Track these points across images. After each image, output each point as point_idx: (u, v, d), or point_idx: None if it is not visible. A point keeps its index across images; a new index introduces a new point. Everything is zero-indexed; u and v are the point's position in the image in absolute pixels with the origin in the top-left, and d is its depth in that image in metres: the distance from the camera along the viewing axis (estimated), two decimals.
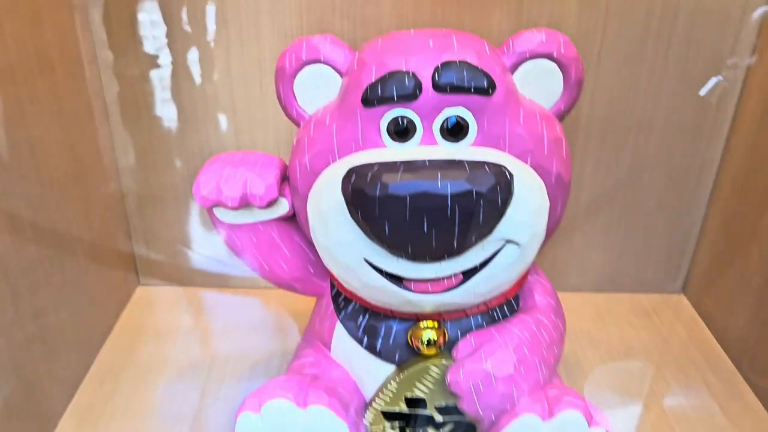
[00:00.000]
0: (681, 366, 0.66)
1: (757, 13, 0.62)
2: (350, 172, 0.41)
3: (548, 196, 0.44)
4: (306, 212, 0.46)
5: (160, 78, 0.64)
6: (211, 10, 0.61)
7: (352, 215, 0.41)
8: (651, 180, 0.70)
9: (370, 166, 0.41)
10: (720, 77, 0.67)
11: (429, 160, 0.41)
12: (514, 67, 0.46)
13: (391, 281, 0.44)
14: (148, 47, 0.63)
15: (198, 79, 0.64)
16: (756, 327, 0.62)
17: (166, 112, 0.66)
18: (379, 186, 0.39)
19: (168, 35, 0.62)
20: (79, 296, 0.61)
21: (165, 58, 0.63)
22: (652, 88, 0.65)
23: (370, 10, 0.61)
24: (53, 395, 0.57)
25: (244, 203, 0.47)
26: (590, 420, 0.46)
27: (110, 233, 0.68)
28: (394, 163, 0.41)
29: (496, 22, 0.62)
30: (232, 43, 0.63)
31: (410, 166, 0.40)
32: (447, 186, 0.39)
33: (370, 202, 0.40)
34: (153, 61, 0.63)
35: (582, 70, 0.47)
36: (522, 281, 0.52)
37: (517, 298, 0.52)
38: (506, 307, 0.51)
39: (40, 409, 0.54)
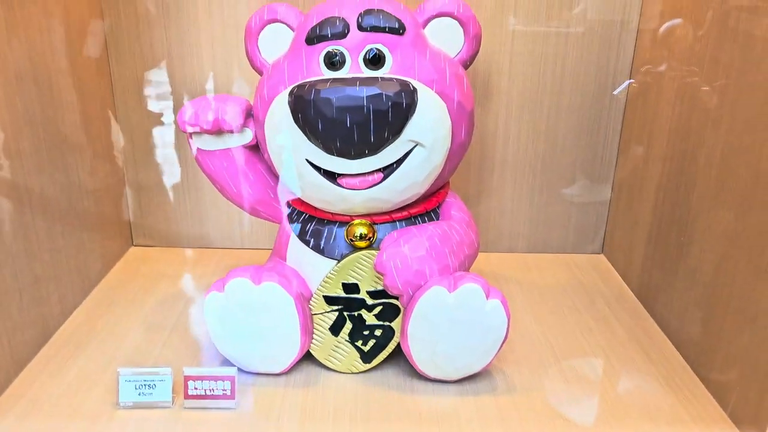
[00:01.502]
0: (590, 300, 0.77)
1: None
2: (294, 88, 0.55)
3: (451, 117, 0.58)
4: (264, 135, 0.59)
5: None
6: (201, 1, 0.77)
7: (294, 120, 0.55)
8: (564, 152, 0.83)
9: (309, 82, 0.55)
10: (631, 80, 0.82)
11: (353, 77, 0.55)
12: (425, 23, 0.61)
13: (327, 178, 0.57)
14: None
15: (194, 58, 0.79)
16: (655, 270, 0.73)
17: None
18: (313, 92, 0.53)
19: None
20: (81, 239, 0.73)
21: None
22: (558, 67, 0.79)
23: None
24: (54, 312, 0.68)
25: (217, 127, 0.61)
26: (488, 293, 0.57)
27: (109, 200, 0.81)
28: (327, 79, 0.55)
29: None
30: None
31: (338, 81, 0.54)
32: (363, 90, 0.53)
33: (307, 104, 0.53)
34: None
35: (478, 27, 0.61)
36: (441, 197, 0.64)
37: (436, 213, 0.64)
38: (426, 217, 0.63)
39: (43, 319, 0.65)
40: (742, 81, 0.57)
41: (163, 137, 0.82)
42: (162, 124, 0.82)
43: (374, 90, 0.53)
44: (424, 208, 0.63)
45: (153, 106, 0.81)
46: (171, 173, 0.84)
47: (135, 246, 0.88)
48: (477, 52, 0.63)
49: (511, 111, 0.81)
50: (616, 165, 0.84)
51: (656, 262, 0.73)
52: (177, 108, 0.80)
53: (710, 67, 0.62)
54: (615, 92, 0.82)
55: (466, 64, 0.63)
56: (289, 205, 0.65)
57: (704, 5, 0.63)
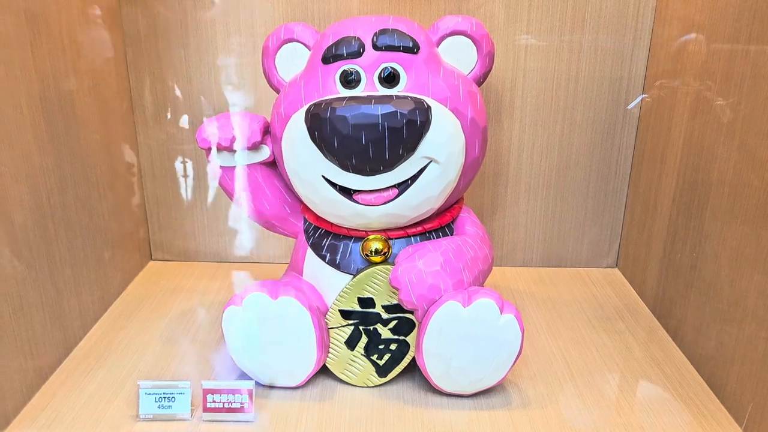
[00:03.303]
0: (605, 314, 0.77)
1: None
2: (310, 106, 0.56)
3: (465, 133, 0.59)
4: (282, 152, 0.60)
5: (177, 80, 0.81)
6: (219, 23, 0.78)
7: (311, 137, 0.56)
8: (578, 167, 0.84)
9: (325, 101, 0.56)
10: (645, 95, 0.82)
11: (367, 96, 0.56)
12: (439, 42, 0.62)
13: (342, 194, 0.58)
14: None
15: (212, 78, 0.81)
16: (669, 285, 0.73)
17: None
18: (329, 110, 0.54)
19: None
20: (101, 252, 0.74)
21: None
22: (571, 82, 0.80)
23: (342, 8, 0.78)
24: (75, 326, 0.69)
25: (234, 144, 0.62)
26: (502, 308, 0.58)
27: (129, 216, 0.82)
28: (342, 98, 0.56)
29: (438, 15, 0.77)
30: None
31: (353, 99, 0.55)
32: (378, 108, 0.54)
33: (323, 122, 0.54)
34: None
35: (491, 45, 0.62)
36: (455, 212, 0.65)
37: (451, 228, 0.65)
38: (440, 232, 0.64)
39: (65, 332, 0.67)
40: (754, 96, 0.57)
41: (181, 154, 0.84)
42: (180, 141, 0.83)
43: (389, 108, 0.54)
44: (438, 224, 0.63)
45: (171, 123, 0.82)
46: (189, 189, 0.85)
47: (153, 260, 0.89)
48: (490, 69, 0.64)
49: (524, 126, 0.82)
50: (629, 179, 0.84)
51: (671, 276, 0.73)
52: (195, 125, 0.82)
53: (722, 83, 0.62)
54: (629, 107, 0.83)
55: (480, 81, 0.63)
56: (305, 220, 0.66)
57: (716, 21, 0.64)
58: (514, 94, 0.81)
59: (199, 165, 0.84)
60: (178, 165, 0.84)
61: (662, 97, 0.76)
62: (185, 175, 0.85)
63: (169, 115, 0.82)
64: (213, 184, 0.84)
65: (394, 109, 0.54)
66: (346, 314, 0.61)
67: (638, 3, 0.77)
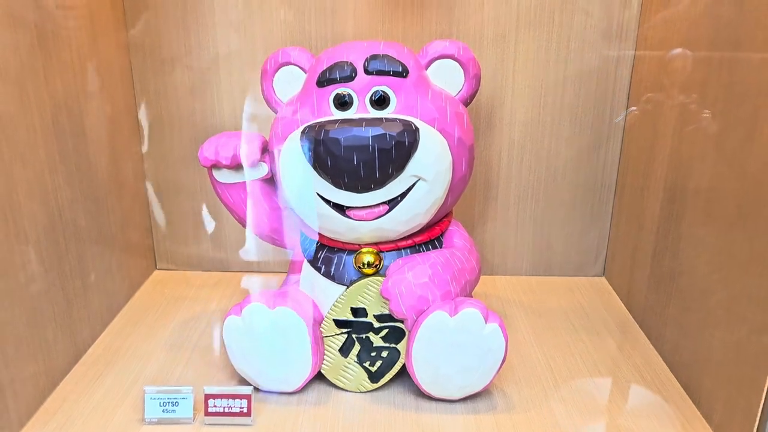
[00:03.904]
0: (590, 322, 0.80)
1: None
2: (306, 128, 0.60)
3: (452, 152, 0.62)
4: (279, 170, 0.64)
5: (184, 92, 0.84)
6: (222, 41, 0.82)
7: (306, 157, 0.59)
8: (565, 180, 0.87)
9: (319, 123, 0.59)
10: (633, 108, 0.85)
11: (359, 119, 0.59)
12: (428, 65, 0.65)
13: (336, 210, 0.62)
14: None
15: (214, 98, 0.84)
16: (656, 293, 0.77)
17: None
18: (323, 132, 0.58)
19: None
20: (108, 262, 0.78)
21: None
22: (557, 99, 0.83)
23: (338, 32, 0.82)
24: (84, 334, 0.73)
25: (235, 162, 0.66)
26: (486, 317, 0.61)
27: (135, 227, 0.86)
28: (336, 120, 0.59)
29: (429, 37, 0.81)
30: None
31: (346, 122, 0.59)
32: (368, 131, 0.57)
33: (318, 143, 0.58)
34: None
35: (478, 67, 0.66)
36: (443, 225, 0.68)
37: (440, 241, 0.68)
38: (430, 245, 0.67)
39: (75, 340, 0.70)
40: (726, 116, 0.61)
41: (185, 169, 0.87)
42: (182, 156, 0.87)
43: (379, 130, 0.57)
44: (427, 237, 0.67)
45: (175, 138, 0.86)
46: (192, 202, 0.89)
47: (158, 270, 0.93)
48: (477, 90, 0.67)
49: (513, 141, 0.85)
50: (615, 191, 0.88)
51: (653, 285, 0.76)
52: (197, 142, 0.85)
53: (698, 102, 0.66)
54: (617, 120, 0.86)
55: (467, 102, 0.67)
56: (301, 233, 0.70)
57: (694, 37, 0.67)
58: (503, 111, 0.84)
59: (201, 178, 0.88)
60: (181, 179, 0.88)
61: (644, 114, 0.79)
62: (188, 190, 0.89)
63: (172, 131, 0.86)
64: (214, 198, 0.88)
65: (383, 132, 0.57)
66: (340, 323, 0.65)
67: (621, 22, 0.80)
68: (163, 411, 0.61)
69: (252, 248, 0.91)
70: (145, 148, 0.87)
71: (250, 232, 0.72)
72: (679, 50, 0.71)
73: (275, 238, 0.72)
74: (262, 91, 0.68)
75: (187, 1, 0.80)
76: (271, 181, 0.69)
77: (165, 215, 0.91)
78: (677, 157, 0.70)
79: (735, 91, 0.59)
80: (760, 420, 0.53)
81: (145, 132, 0.86)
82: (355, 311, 0.64)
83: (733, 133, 0.59)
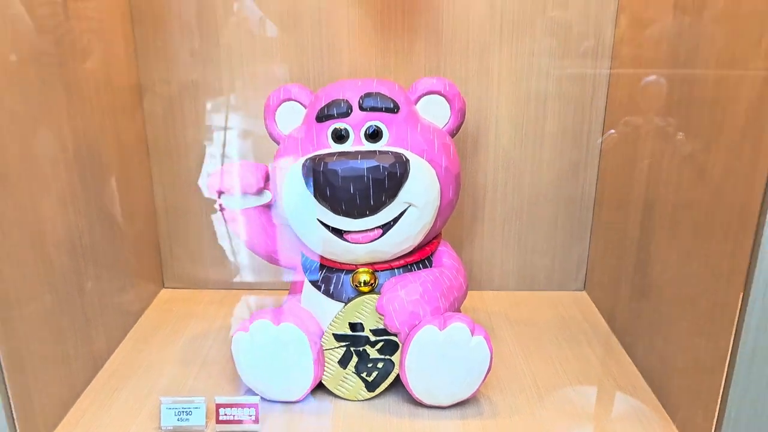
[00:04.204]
0: (571, 333, 0.86)
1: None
2: (306, 160, 0.66)
3: (440, 180, 0.68)
4: (281, 197, 0.70)
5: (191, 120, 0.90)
6: (227, 77, 0.88)
7: (307, 186, 0.65)
8: (546, 201, 0.93)
9: (318, 156, 0.66)
10: (612, 131, 0.92)
11: (355, 151, 0.66)
12: (417, 100, 0.72)
13: (334, 234, 0.68)
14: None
15: (220, 127, 0.90)
16: (631, 306, 0.83)
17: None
18: (322, 164, 0.64)
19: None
20: (120, 284, 0.84)
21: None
22: (538, 127, 0.90)
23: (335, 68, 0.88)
24: (101, 349, 0.78)
25: (242, 191, 0.72)
26: (473, 330, 0.67)
27: (144, 249, 0.92)
28: (334, 153, 0.66)
29: (418, 74, 0.87)
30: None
31: (343, 155, 0.65)
32: (364, 163, 0.63)
33: (317, 174, 0.64)
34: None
35: (462, 102, 0.72)
36: (433, 246, 0.74)
37: (430, 261, 0.74)
38: (421, 264, 0.73)
39: (93, 355, 0.76)
40: (687, 144, 0.67)
41: (191, 194, 0.93)
42: (189, 181, 0.93)
43: (373, 162, 0.63)
44: (418, 257, 0.73)
45: (182, 165, 0.92)
46: (197, 225, 0.95)
47: (165, 288, 0.99)
48: (462, 122, 0.73)
49: (498, 166, 0.92)
50: (593, 211, 0.94)
51: (627, 300, 0.82)
52: (204, 166, 0.92)
53: (660, 129, 0.72)
54: (598, 141, 0.92)
55: (453, 133, 0.73)
56: (302, 255, 0.76)
57: (658, 62, 0.74)
58: (488, 138, 0.90)
59: (206, 202, 0.94)
60: (187, 203, 0.94)
61: (616, 140, 0.86)
62: (194, 213, 0.94)
63: (179, 159, 0.92)
64: (219, 220, 0.94)
65: (377, 164, 0.63)
66: (339, 337, 0.71)
67: (597, 47, 0.87)
68: (178, 420, 0.66)
69: (255, 268, 0.97)
70: (153, 173, 0.93)
71: (253, 254, 0.78)
72: (647, 70, 0.77)
73: (277, 259, 0.78)
74: (266, 124, 0.74)
75: (195, 41, 0.86)
76: (274, 207, 0.75)
77: (171, 237, 0.96)
78: (645, 180, 0.77)
79: (694, 107, 0.65)
80: (717, 420, 0.59)
81: (154, 157, 0.92)
82: (353, 326, 0.70)
83: (694, 147, 0.65)
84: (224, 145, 0.91)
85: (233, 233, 0.76)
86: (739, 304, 0.56)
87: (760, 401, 0.57)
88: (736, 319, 0.56)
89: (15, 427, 0.60)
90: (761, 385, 0.57)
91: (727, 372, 0.58)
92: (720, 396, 0.58)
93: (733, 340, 0.57)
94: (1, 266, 0.58)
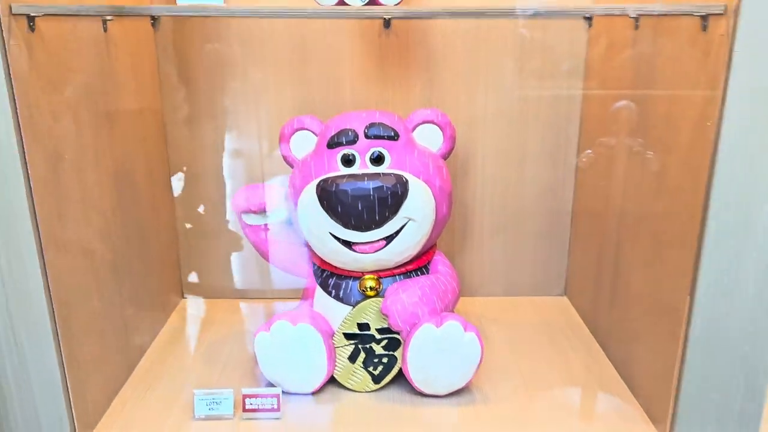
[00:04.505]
0: (553, 333, 0.97)
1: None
2: (320, 181, 0.76)
3: (435, 198, 0.79)
4: (297, 213, 0.80)
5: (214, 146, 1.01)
6: (243, 109, 0.98)
7: (320, 204, 0.76)
8: (529, 216, 1.04)
9: (330, 178, 0.76)
10: (589, 150, 1.03)
11: (362, 174, 0.76)
12: (414, 129, 0.82)
13: (344, 246, 0.78)
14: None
15: (237, 155, 1.01)
16: (606, 308, 0.93)
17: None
18: (334, 185, 0.74)
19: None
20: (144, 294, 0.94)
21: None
22: (520, 149, 1.01)
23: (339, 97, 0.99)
24: (134, 352, 0.88)
25: (262, 209, 0.82)
26: (465, 328, 0.77)
27: (168, 262, 1.02)
28: (343, 175, 0.76)
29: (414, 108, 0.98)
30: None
31: (351, 177, 0.75)
32: (369, 184, 0.74)
33: (330, 194, 0.74)
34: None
35: (453, 129, 0.83)
36: (430, 255, 0.85)
37: (427, 268, 0.85)
38: (419, 271, 0.83)
39: (129, 356, 0.85)
40: (647, 160, 0.78)
41: (210, 213, 1.03)
42: (207, 202, 1.03)
43: (377, 183, 0.74)
44: (417, 265, 0.83)
45: (201, 187, 1.02)
46: (215, 240, 1.05)
47: (184, 298, 1.08)
48: (453, 147, 0.84)
49: (486, 184, 1.03)
50: (571, 224, 1.05)
51: (602, 304, 0.93)
52: (220, 190, 1.02)
53: (626, 147, 0.83)
54: (576, 160, 1.03)
55: (446, 156, 0.84)
56: (314, 264, 0.86)
57: (624, 83, 0.85)
58: (476, 160, 1.01)
59: (222, 220, 1.04)
60: (207, 221, 1.04)
61: (593, 156, 0.97)
62: (213, 230, 1.04)
63: (198, 182, 1.02)
64: (236, 235, 1.03)
65: (381, 184, 0.74)
66: (348, 336, 0.81)
67: (569, 83, 0.98)
68: (209, 409, 0.76)
69: (265, 278, 1.07)
70: (176, 193, 1.03)
71: (264, 265, 0.88)
72: (613, 92, 0.88)
73: (291, 269, 0.88)
74: (281, 150, 0.85)
75: (214, 76, 0.97)
76: (289, 223, 0.85)
77: (191, 251, 1.06)
78: (608, 195, 0.88)
79: (651, 126, 0.76)
80: (672, 416, 0.70)
81: (176, 180, 1.02)
82: (361, 326, 0.80)
83: (653, 162, 0.76)
84: (239, 168, 1.01)
85: (255, 247, 0.86)
86: (687, 309, 0.67)
87: (707, 387, 0.68)
88: (684, 321, 0.67)
89: (72, 415, 0.69)
90: (708, 379, 0.67)
91: (679, 369, 0.68)
92: (674, 388, 0.69)
93: (683, 342, 0.68)
94: (63, 276, 0.68)
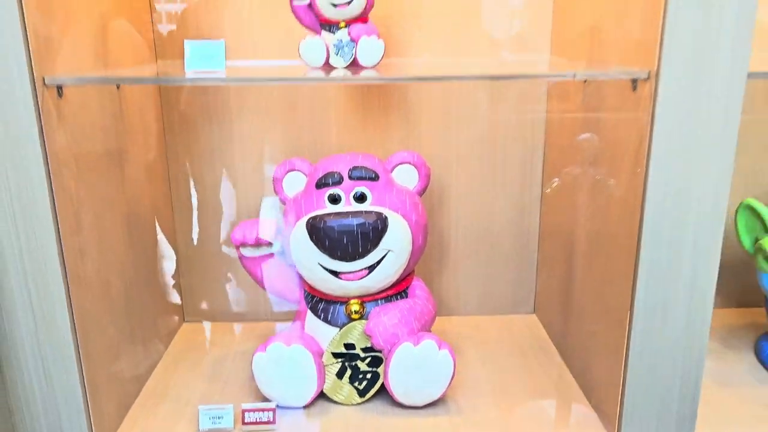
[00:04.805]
0: (522, 348, 1.07)
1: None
2: (309, 218, 0.86)
3: (412, 231, 0.89)
4: (289, 246, 0.90)
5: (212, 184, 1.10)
6: (239, 149, 1.08)
7: (310, 239, 0.85)
8: (500, 240, 1.15)
9: (319, 215, 0.86)
10: (557, 179, 1.14)
11: (346, 212, 0.86)
12: (392, 169, 0.93)
13: (332, 275, 0.88)
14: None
15: (233, 191, 1.10)
16: (568, 324, 1.03)
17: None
18: (322, 222, 0.84)
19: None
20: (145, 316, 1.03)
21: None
22: (489, 180, 1.12)
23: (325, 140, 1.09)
24: (143, 372, 0.97)
25: (258, 242, 0.92)
26: (440, 345, 0.87)
27: (169, 289, 1.11)
28: (329, 213, 0.86)
29: (393, 147, 1.09)
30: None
31: (338, 214, 0.85)
32: (353, 220, 0.84)
33: (318, 229, 0.84)
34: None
35: (428, 169, 0.94)
36: (409, 281, 0.95)
37: (406, 293, 0.95)
38: (399, 296, 0.93)
39: (138, 376, 0.94)
40: (599, 182, 0.89)
41: (209, 243, 1.13)
42: (205, 235, 1.12)
43: (360, 220, 0.84)
44: (397, 290, 0.93)
45: (201, 221, 1.12)
46: (213, 269, 1.14)
47: (186, 322, 1.18)
48: (428, 184, 0.94)
49: (459, 213, 1.13)
50: (538, 247, 1.16)
51: (565, 320, 1.03)
52: (218, 222, 1.11)
53: (583, 172, 0.94)
54: (546, 190, 1.14)
55: (421, 193, 0.94)
56: (305, 291, 0.96)
57: (580, 105, 0.96)
58: (450, 191, 1.12)
59: (219, 251, 1.13)
60: (206, 249, 1.14)
61: (557, 186, 1.08)
62: (211, 258, 1.14)
63: (197, 214, 1.12)
64: (234, 263, 1.13)
65: (364, 221, 0.84)
66: (336, 355, 0.90)
67: (533, 133, 1.09)
68: (212, 423, 0.85)
69: (258, 303, 1.17)
70: (176, 227, 1.12)
71: (259, 291, 0.98)
72: (566, 115, 0.99)
73: (284, 295, 0.97)
74: (274, 188, 0.95)
75: (211, 123, 1.07)
76: (282, 254, 0.95)
77: (191, 279, 1.16)
78: (575, 211, 0.98)
79: (601, 149, 0.87)
80: (619, 418, 0.80)
81: (177, 214, 1.12)
82: (347, 345, 0.90)
83: (602, 183, 0.87)
84: (234, 204, 1.11)
85: (251, 276, 0.96)
86: (627, 323, 0.77)
87: (648, 393, 0.78)
88: (626, 335, 0.77)
89: (92, 429, 0.79)
90: (649, 385, 0.78)
91: (623, 377, 0.79)
92: (620, 394, 0.79)
93: (625, 353, 0.78)
94: (84, 307, 0.77)
